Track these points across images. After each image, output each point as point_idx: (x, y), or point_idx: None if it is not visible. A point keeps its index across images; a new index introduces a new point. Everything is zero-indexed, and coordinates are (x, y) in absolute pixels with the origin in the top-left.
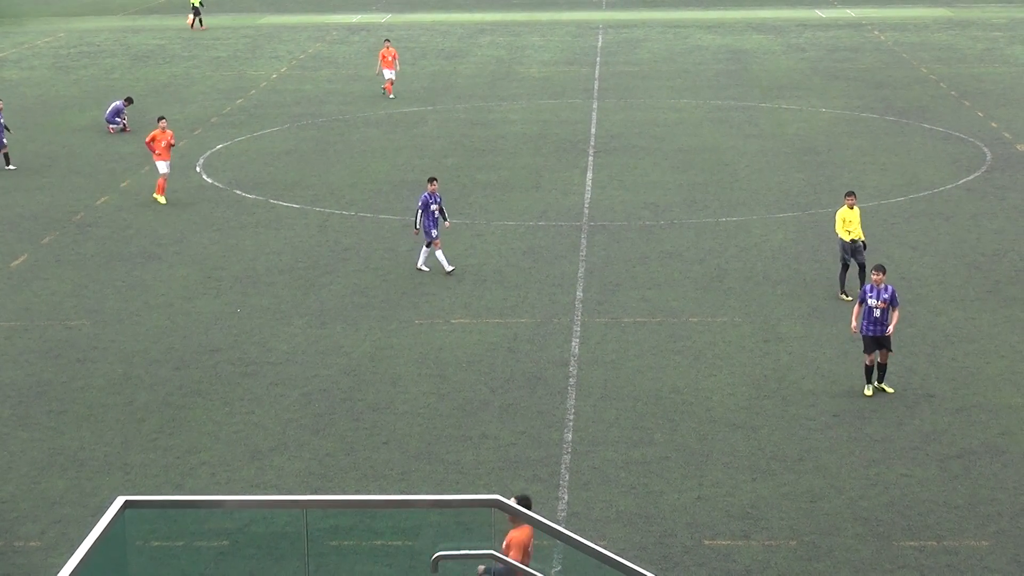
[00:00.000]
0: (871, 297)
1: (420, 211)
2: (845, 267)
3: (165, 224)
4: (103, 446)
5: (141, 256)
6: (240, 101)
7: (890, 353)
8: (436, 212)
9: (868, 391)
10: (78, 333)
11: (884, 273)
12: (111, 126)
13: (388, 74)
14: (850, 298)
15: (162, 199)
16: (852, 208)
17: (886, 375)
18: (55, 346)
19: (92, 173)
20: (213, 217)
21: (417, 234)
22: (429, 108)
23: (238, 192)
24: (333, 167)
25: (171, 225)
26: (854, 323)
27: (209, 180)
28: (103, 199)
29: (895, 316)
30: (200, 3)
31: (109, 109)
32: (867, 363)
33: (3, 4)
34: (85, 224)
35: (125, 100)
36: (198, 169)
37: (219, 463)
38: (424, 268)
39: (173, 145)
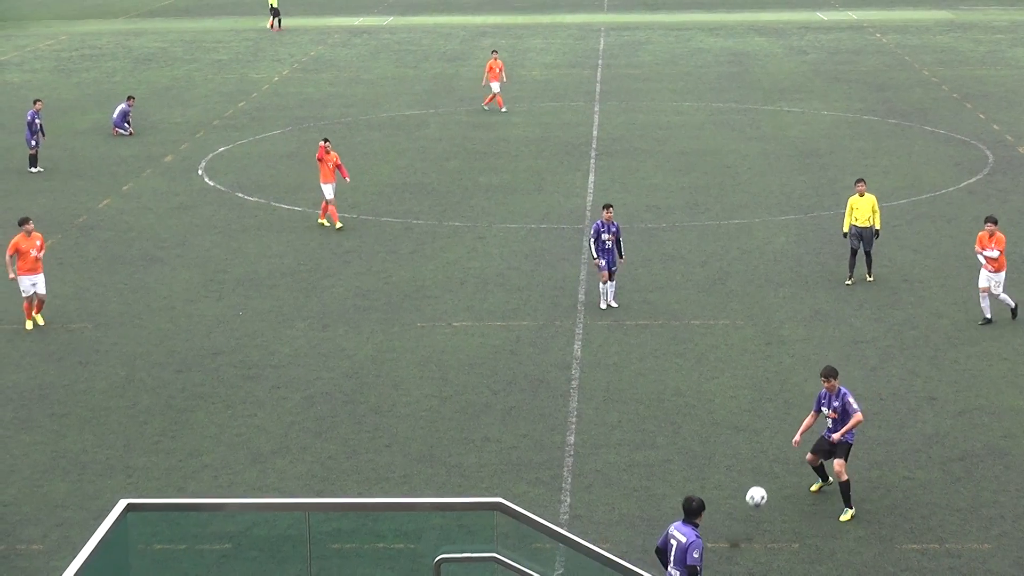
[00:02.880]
0: (824, 406)
1: (592, 239)
2: (853, 252)
3: (167, 227)
4: (105, 449)
5: (143, 259)
6: (242, 104)
7: (844, 462)
8: (609, 242)
9: (814, 487)
10: (80, 336)
11: (835, 378)
12: (118, 130)
13: (495, 87)
14: (852, 281)
15: (333, 223)
16: (862, 196)
17: (849, 496)
18: (57, 349)
19: (94, 176)
20: (215, 220)
21: (599, 264)
22: (431, 111)
23: (240, 195)
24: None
25: (173, 228)
26: (797, 437)
27: (211, 183)
28: (105, 202)
29: (853, 421)
30: (277, 4)
31: (116, 113)
32: (809, 460)
33: (4, 7)
34: (87, 227)
35: (128, 100)
36: (200, 172)
37: (221, 466)
38: (609, 300)
39: (340, 166)
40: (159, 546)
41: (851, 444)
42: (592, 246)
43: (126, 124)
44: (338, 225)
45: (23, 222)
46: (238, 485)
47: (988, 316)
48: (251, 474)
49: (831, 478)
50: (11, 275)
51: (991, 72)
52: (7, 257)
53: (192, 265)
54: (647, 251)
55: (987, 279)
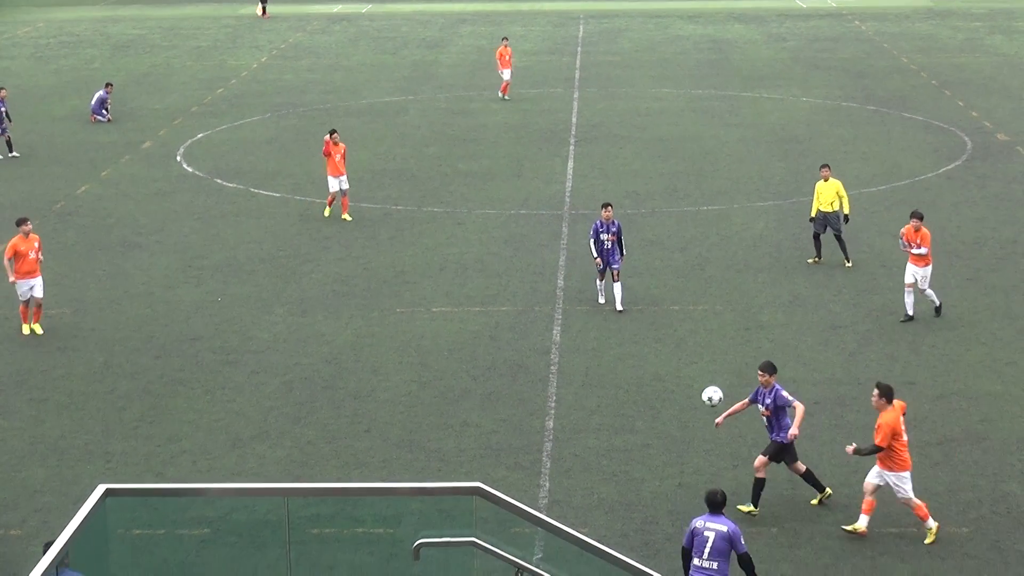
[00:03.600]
0: (759, 402)
1: (592, 239)
2: (815, 236)
3: (146, 213)
4: (84, 434)
5: (122, 245)
6: (221, 91)
7: (797, 464)
8: (610, 242)
9: (746, 508)
10: (59, 322)
11: (770, 373)
12: (96, 116)
13: (505, 75)
14: (813, 261)
15: (345, 216)
16: (826, 181)
17: (819, 488)
18: (36, 334)
19: (72, 162)
20: (194, 206)
21: (599, 264)
22: (410, 98)
23: (219, 181)
24: (314, 156)
25: (152, 214)
26: (720, 419)
27: (190, 169)
28: (83, 188)
29: (798, 415)
30: None
31: (94, 100)
32: (795, 469)
33: None
34: (66, 213)
35: (106, 86)
36: (179, 158)
37: (200, 451)
38: (616, 305)
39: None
40: (138, 531)
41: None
42: (592, 246)
43: (104, 111)
44: (345, 216)
45: (21, 222)
46: (217, 470)
47: (910, 313)
48: (230, 459)
49: (826, 490)
50: (11, 278)
51: (970, 59)
52: (5, 260)
53: (171, 251)
54: (626, 236)
55: (913, 274)
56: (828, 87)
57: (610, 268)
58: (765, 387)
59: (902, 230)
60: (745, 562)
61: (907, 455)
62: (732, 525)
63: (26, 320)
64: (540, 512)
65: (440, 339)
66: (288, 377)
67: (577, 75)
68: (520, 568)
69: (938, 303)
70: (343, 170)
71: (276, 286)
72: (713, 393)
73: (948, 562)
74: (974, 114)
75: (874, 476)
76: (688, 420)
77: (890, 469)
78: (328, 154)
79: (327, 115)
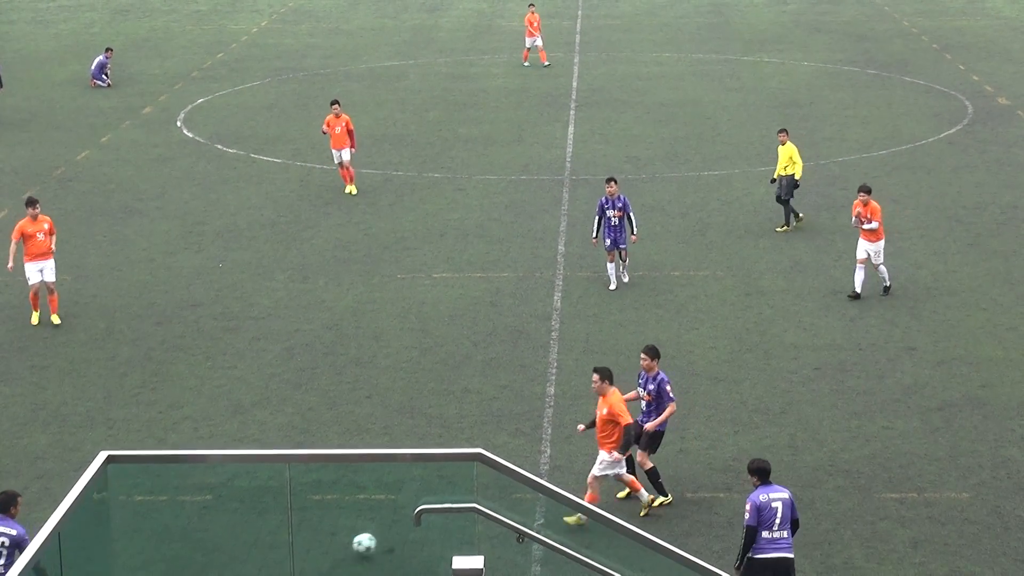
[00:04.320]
0: (639, 386)
1: (597, 217)
2: (777, 198)
3: (146, 179)
4: (85, 401)
5: (122, 211)
6: (221, 55)
7: (647, 454)
8: (616, 219)
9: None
10: (60, 288)
11: (654, 358)
12: (96, 81)
13: (529, 42)
14: (782, 229)
15: (350, 189)
16: (783, 145)
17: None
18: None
19: (72, 128)
20: (194, 172)
21: (596, 243)
22: (410, 62)
23: (219, 147)
24: (314, 121)
25: (152, 180)
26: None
27: (190, 135)
28: (84, 154)
29: (667, 412)
30: None
31: (94, 65)
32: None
33: None
34: (66, 179)
35: (106, 51)
36: (179, 124)
37: (202, 418)
38: (622, 277)
39: (352, 131)
40: (140, 497)
41: (662, 434)
42: (595, 225)
43: (104, 76)
44: (349, 189)
45: (30, 203)
46: (218, 436)
47: (858, 291)
48: (231, 425)
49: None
50: (9, 264)
51: (970, 23)
52: (12, 244)
53: (171, 217)
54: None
55: (865, 250)
56: (829, 51)
57: (617, 248)
58: (648, 372)
59: (854, 203)
60: (796, 526)
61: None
62: (788, 492)
63: (36, 307)
64: (541, 478)
65: (441, 305)
66: (289, 343)
67: (578, 39)
68: (521, 534)
69: (888, 283)
70: (345, 143)
71: (277, 252)
72: (365, 539)
73: (948, 527)
74: (975, 78)
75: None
76: (689, 386)
77: (610, 451)
78: (329, 125)
79: (327, 80)
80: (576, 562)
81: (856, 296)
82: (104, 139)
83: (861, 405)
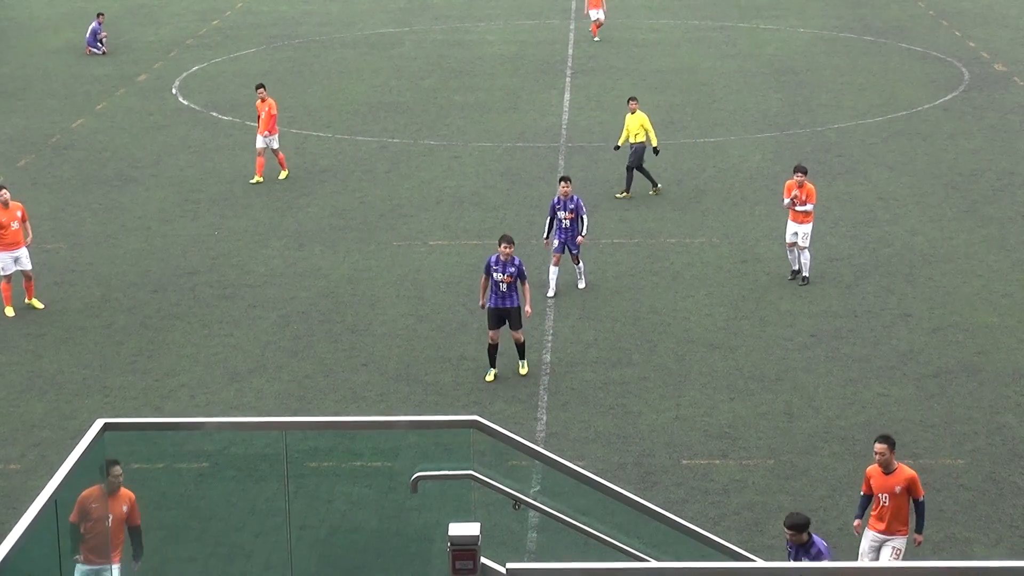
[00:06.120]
0: (496, 271)
1: (549, 217)
2: (628, 168)
3: (141, 147)
4: (82, 369)
5: (118, 179)
6: (215, 23)
7: (520, 331)
8: (568, 221)
9: (489, 376)
10: (55, 256)
11: (510, 245)
12: (91, 49)
13: (595, 14)
14: (622, 195)
15: (284, 174)
16: (633, 113)
17: (525, 354)
18: (32, 269)
19: (67, 96)
20: (190, 139)
21: (548, 245)
22: (406, 29)
23: (214, 114)
24: (310, 89)
25: (147, 148)
26: (481, 299)
27: (185, 102)
28: (79, 122)
29: (526, 291)
30: None
31: (88, 32)
32: (491, 341)
33: None
34: (61, 147)
35: (97, 17)
36: (174, 91)
37: (198, 385)
38: (579, 282)
39: (273, 116)
40: (137, 465)
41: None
42: (547, 225)
43: (99, 43)
44: (282, 175)
45: None
46: (215, 404)
47: (796, 267)
48: (228, 393)
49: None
50: None
51: None
52: None
53: (167, 185)
54: (622, 169)
55: (793, 233)
56: (825, 17)
57: (569, 251)
58: (505, 258)
59: (787, 183)
60: None
61: None
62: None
63: (9, 301)
64: (537, 445)
65: (437, 272)
66: (285, 311)
67: (573, 6)
68: (518, 500)
69: (807, 275)
70: (266, 128)
71: (273, 220)
72: None
73: (943, 493)
74: (971, 44)
75: None
76: (684, 353)
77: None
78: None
79: (322, 47)
80: (573, 529)
81: (796, 273)
82: (99, 107)
83: (857, 372)
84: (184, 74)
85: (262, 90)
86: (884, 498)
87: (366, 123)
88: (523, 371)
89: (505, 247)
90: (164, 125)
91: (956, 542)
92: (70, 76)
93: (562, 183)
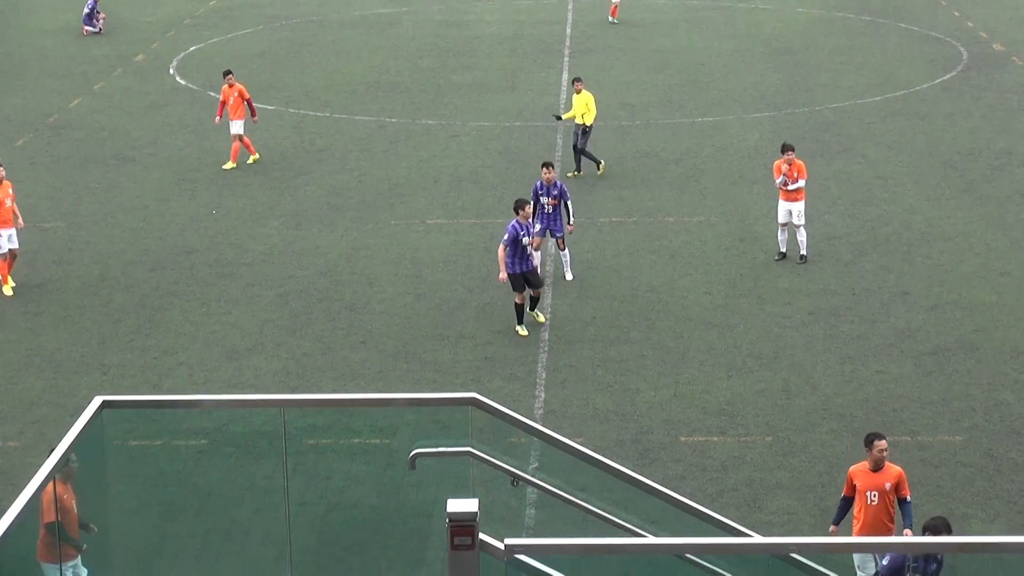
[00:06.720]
0: (543, 195)
1: (532, 202)
2: (573, 146)
3: (139, 126)
4: (80, 347)
5: (116, 158)
6: (213, 2)
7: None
8: (551, 207)
9: (523, 331)
10: (53, 235)
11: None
12: (87, 28)
13: None
14: (572, 174)
15: (254, 157)
16: (579, 93)
17: (537, 305)
18: (31, 248)
19: (65, 75)
20: (187, 119)
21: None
22: (404, 9)
23: (212, 94)
24: (307, 68)
25: (145, 127)
26: (502, 272)
27: (183, 82)
28: (76, 101)
29: (501, 253)
30: None
31: (84, 11)
32: (518, 301)
33: None
34: (59, 127)
35: None
36: (171, 71)
37: (196, 363)
38: (565, 274)
39: (248, 100)
40: (135, 442)
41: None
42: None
43: (95, 22)
44: (252, 158)
45: None
46: (213, 382)
47: (783, 251)
48: (226, 371)
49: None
50: None
51: None
52: None
53: (164, 164)
54: (621, 148)
55: (787, 212)
56: None
57: (552, 236)
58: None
59: (775, 163)
60: None
61: None
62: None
63: (6, 279)
64: (536, 422)
65: (435, 251)
66: (283, 289)
67: None
68: (516, 477)
69: (805, 252)
70: (236, 114)
71: (271, 199)
72: None
73: (941, 469)
74: (970, 24)
75: None
76: (683, 331)
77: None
78: (224, 101)
79: (320, 27)
80: (571, 505)
81: (783, 256)
82: (97, 86)
83: (855, 349)
84: (182, 54)
85: (230, 76)
86: (873, 496)
87: (364, 103)
88: (540, 319)
89: (546, 172)
90: (162, 105)
91: (954, 518)
92: (67, 56)
93: (544, 168)
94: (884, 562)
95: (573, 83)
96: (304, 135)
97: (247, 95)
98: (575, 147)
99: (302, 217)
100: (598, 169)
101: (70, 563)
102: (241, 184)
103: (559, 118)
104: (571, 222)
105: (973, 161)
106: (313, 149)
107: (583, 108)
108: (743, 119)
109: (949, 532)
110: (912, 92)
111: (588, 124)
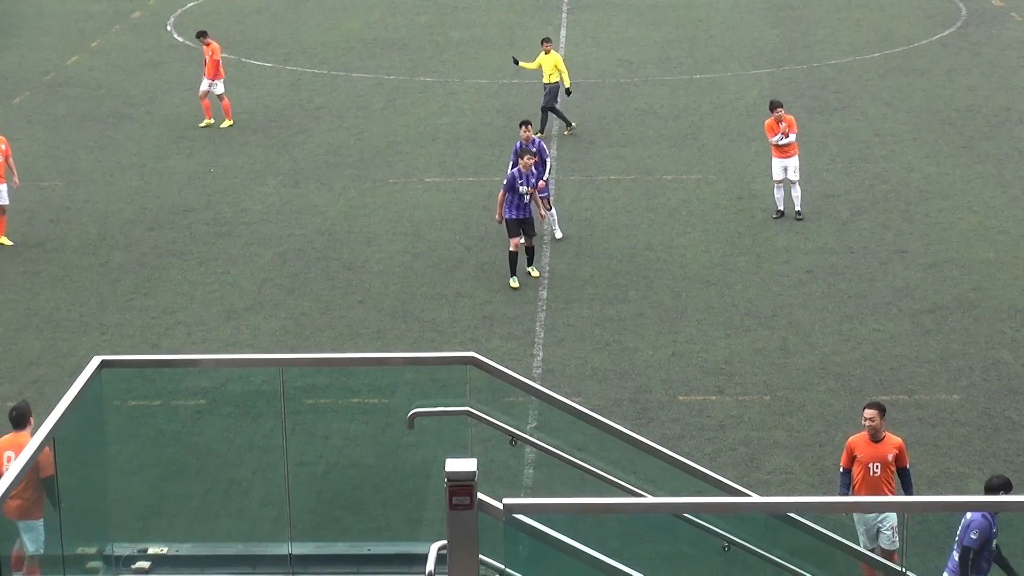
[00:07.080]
0: (521, 184)
1: (511, 161)
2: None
3: (136, 84)
4: (79, 306)
5: (113, 116)
6: None
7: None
8: (528, 167)
9: (514, 283)
10: (51, 194)
11: (528, 127)
12: None
13: None
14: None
15: (227, 122)
16: (547, 54)
17: (534, 260)
18: (28, 207)
19: (62, 33)
20: (185, 76)
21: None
22: None
23: None
24: (305, 25)
25: (142, 85)
26: (498, 214)
27: (180, 39)
28: (73, 59)
29: (500, 197)
30: None
31: None
32: (513, 248)
33: None
34: (56, 84)
35: None
36: (169, 28)
37: (195, 323)
38: (555, 232)
39: (217, 62)
40: (134, 402)
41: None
42: (508, 169)
43: None
44: (226, 123)
45: None
46: (212, 341)
47: (781, 208)
48: (225, 330)
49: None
50: None
51: None
52: None
53: (162, 122)
54: (619, 106)
55: (782, 169)
56: None
57: (536, 197)
58: (527, 140)
59: (766, 123)
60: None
61: None
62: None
63: (2, 232)
64: (534, 381)
65: (433, 209)
66: (282, 248)
67: None
68: (514, 437)
69: (800, 208)
70: (211, 74)
71: (268, 157)
72: None
73: (939, 428)
74: None
75: None
76: (681, 290)
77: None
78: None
79: None
80: (569, 465)
81: (780, 214)
82: (94, 44)
83: (852, 308)
84: (179, 11)
85: (205, 35)
86: (875, 467)
87: (362, 60)
88: (535, 274)
89: (524, 130)
90: (159, 62)
91: (951, 477)
92: (64, 13)
93: (522, 127)
94: (972, 536)
95: (542, 43)
96: (302, 92)
97: (217, 56)
98: (551, 108)
99: (300, 175)
100: (566, 129)
101: (39, 520)
102: (239, 142)
103: (516, 62)
104: (544, 178)
105: (972, 118)
106: (311, 107)
107: (551, 69)
108: (741, 76)
109: (1009, 490)
110: (911, 48)
111: (567, 86)
